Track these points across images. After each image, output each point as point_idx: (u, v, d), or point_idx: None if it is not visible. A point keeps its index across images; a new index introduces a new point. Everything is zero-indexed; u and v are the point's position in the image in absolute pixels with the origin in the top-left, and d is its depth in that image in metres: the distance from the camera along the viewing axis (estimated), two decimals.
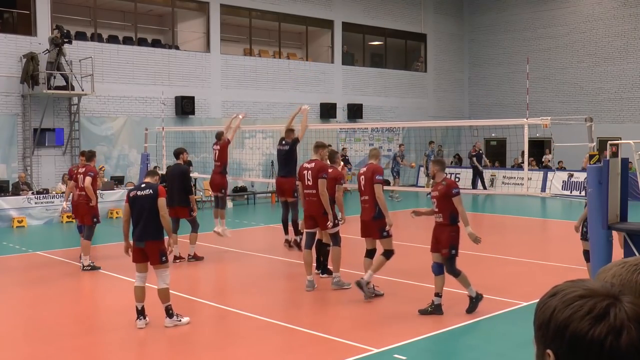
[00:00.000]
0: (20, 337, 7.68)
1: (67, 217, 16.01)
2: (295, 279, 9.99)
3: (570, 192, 22.09)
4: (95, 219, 11.14)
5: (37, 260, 12.22)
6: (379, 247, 8.84)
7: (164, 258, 7.67)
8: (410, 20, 28.55)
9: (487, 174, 24.97)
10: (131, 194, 7.78)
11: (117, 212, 17.73)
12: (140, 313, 7.65)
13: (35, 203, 16.88)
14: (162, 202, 7.69)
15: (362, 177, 8.93)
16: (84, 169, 11.26)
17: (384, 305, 8.54)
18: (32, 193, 17.13)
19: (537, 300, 1.38)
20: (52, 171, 18.85)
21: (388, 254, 8.74)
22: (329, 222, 9.13)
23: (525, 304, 8.38)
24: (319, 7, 25.37)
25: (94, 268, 10.90)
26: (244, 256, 12.19)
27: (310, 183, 9.27)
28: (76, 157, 18.34)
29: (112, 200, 17.79)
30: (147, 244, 7.60)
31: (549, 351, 1.28)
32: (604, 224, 7.40)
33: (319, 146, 9.68)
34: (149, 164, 15.95)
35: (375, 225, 8.76)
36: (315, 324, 7.69)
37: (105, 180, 18.38)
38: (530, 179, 19.74)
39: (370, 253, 9.02)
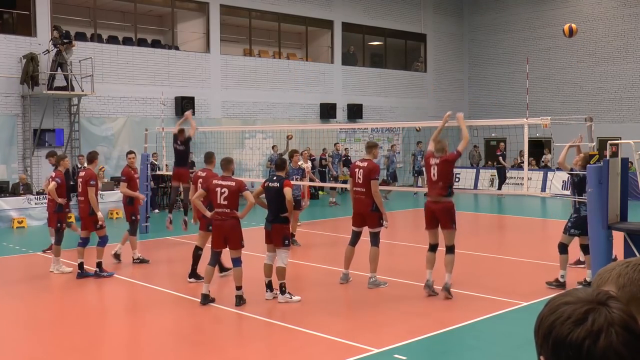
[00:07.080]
0: (20, 338, 7.67)
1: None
2: (295, 279, 9.97)
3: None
4: (98, 226, 10.71)
5: (37, 260, 12.22)
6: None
7: (286, 242, 8.63)
8: (410, 20, 28.55)
9: (487, 173, 24.99)
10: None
11: (117, 213, 17.70)
12: (268, 286, 8.65)
13: (35, 204, 16.87)
14: (288, 191, 8.55)
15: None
16: (83, 173, 10.90)
17: (384, 305, 8.55)
18: (32, 193, 17.12)
19: (537, 301, 1.39)
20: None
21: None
22: (382, 221, 9.29)
23: (525, 304, 8.36)
24: (319, 7, 25.37)
25: (100, 269, 10.79)
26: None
27: (360, 181, 9.29)
28: (76, 158, 18.35)
29: (112, 201, 17.77)
30: (273, 226, 8.60)
31: (541, 357, 1.34)
32: (604, 223, 7.40)
33: (372, 146, 9.63)
34: (149, 164, 15.96)
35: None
36: (315, 324, 7.68)
37: (106, 180, 18.36)
38: (530, 179, 19.73)
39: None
